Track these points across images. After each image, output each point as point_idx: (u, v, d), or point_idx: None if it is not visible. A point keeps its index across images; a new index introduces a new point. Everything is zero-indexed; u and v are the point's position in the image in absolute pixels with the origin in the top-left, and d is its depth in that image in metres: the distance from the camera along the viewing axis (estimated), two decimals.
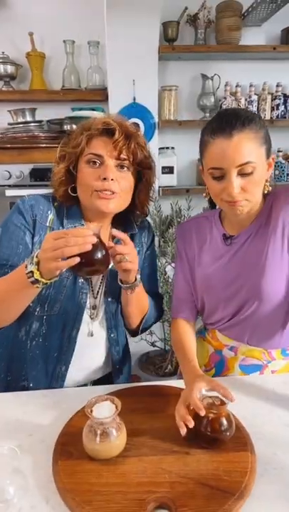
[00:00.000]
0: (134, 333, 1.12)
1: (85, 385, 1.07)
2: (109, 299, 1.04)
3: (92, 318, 1.02)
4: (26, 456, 0.73)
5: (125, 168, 0.95)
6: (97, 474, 0.67)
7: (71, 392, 0.96)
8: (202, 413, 0.72)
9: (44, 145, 1.98)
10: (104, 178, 0.91)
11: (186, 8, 2.23)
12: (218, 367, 1.06)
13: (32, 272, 0.75)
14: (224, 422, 0.73)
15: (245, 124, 0.84)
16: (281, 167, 2.43)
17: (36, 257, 0.75)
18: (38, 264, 0.74)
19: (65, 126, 2.17)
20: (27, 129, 1.99)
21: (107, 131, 0.92)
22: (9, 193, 2.02)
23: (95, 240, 0.73)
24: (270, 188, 0.94)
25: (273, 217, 0.94)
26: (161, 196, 2.30)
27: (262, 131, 0.87)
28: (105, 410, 0.70)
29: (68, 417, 0.83)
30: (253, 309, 0.96)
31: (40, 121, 2.07)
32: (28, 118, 2.06)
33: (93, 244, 0.73)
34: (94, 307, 1.03)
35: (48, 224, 0.97)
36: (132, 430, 0.76)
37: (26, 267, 0.76)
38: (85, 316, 1.01)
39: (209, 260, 1.02)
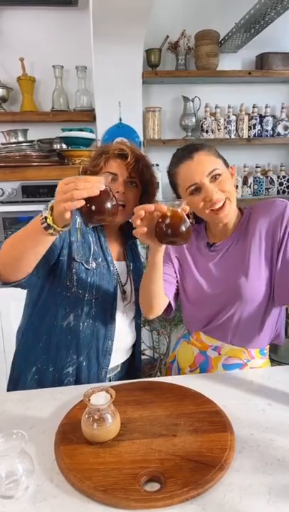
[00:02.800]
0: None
1: (118, 366, 1.23)
2: (138, 292, 1.22)
3: (124, 301, 1.21)
4: (29, 445, 0.81)
5: (134, 184, 1.16)
6: (95, 455, 0.76)
7: (68, 390, 1.04)
8: (164, 209, 0.86)
9: (36, 163, 2.09)
10: (117, 192, 1.11)
11: (167, 37, 2.40)
12: (202, 366, 1.16)
13: (46, 217, 0.81)
14: (181, 215, 0.87)
15: (198, 148, 1.04)
16: (260, 182, 2.59)
17: (51, 203, 0.81)
18: (52, 210, 0.81)
19: (55, 146, 2.29)
20: (19, 148, 2.10)
21: (121, 155, 1.12)
22: (2, 209, 2.11)
23: (103, 187, 0.78)
24: (241, 195, 1.08)
25: (251, 229, 1.07)
26: None
27: (212, 150, 1.06)
28: (101, 399, 0.79)
29: (66, 412, 0.91)
30: (235, 309, 1.07)
31: (31, 141, 2.18)
32: (20, 138, 2.17)
33: (103, 193, 0.78)
34: (124, 292, 1.21)
35: (77, 226, 1.12)
36: (124, 419, 0.85)
37: (42, 214, 0.82)
38: (119, 299, 1.19)
39: (195, 262, 1.15)
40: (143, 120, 2.43)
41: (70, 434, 0.82)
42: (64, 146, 2.25)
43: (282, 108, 2.58)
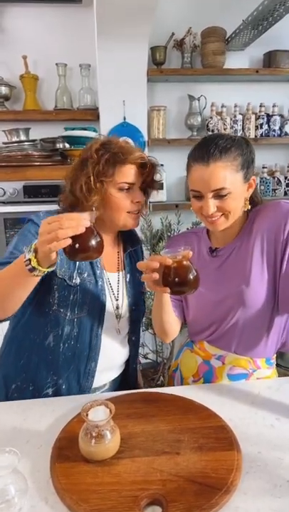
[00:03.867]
0: None
1: (105, 385, 1.15)
2: (134, 307, 1.18)
3: (117, 318, 1.13)
4: (24, 461, 0.77)
5: (143, 190, 1.11)
6: (92, 475, 0.72)
7: (67, 401, 1.00)
8: (169, 261, 0.84)
9: (38, 163, 2.05)
10: (138, 202, 1.06)
11: (172, 34, 2.35)
12: (206, 376, 1.11)
13: (30, 259, 0.78)
14: (187, 265, 0.86)
15: (222, 153, 0.93)
16: (266, 183, 2.53)
17: (34, 245, 0.79)
18: (35, 251, 0.78)
19: (58, 145, 2.25)
20: (21, 147, 2.06)
21: (139, 164, 1.06)
22: (3, 209, 2.08)
23: (88, 224, 0.77)
24: (249, 207, 1.02)
25: (254, 232, 1.02)
26: (152, 211, 2.37)
27: (239, 158, 0.95)
28: (100, 414, 0.75)
29: (64, 424, 0.87)
30: (238, 317, 1.02)
31: (33, 141, 2.14)
32: (22, 137, 2.13)
33: (87, 229, 0.77)
34: (117, 307, 1.13)
35: None
36: (125, 434, 0.81)
37: (25, 256, 0.80)
38: (111, 316, 1.11)
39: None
40: (148, 119, 2.39)
41: (66, 450, 0.78)
42: (67, 145, 2.21)
43: None
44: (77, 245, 0.77)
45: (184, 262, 0.86)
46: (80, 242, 0.77)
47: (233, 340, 1.05)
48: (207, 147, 0.95)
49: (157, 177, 1.13)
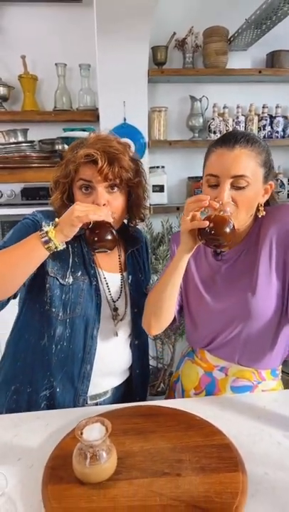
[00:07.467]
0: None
1: (106, 392, 1.10)
2: (135, 310, 1.13)
3: (114, 319, 1.09)
4: (14, 481, 0.72)
5: (116, 189, 1.01)
6: (87, 499, 0.67)
7: (62, 414, 0.95)
8: (216, 205, 0.85)
9: (36, 165, 2.01)
10: (97, 204, 0.97)
11: (174, 34, 2.31)
12: (208, 389, 1.06)
13: (47, 231, 0.86)
14: (228, 217, 0.86)
15: (249, 142, 0.90)
16: None
17: (55, 221, 0.88)
18: (55, 226, 0.87)
19: (57, 146, 2.20)
20: (18, 149, 2.01)
21: (91, 160, 0.97)
22: (0, 211, 2.03)
23: (111, 220, 0.92)
24: (264, 213, 0.96)
25: (262, 235, 0.96)
26: (152, 214, 2.32)
27: (264, 154, 0.91)
28: (96, 432, 0.70)
29: (57, 440, 0.82)
30: (242, 327, 0.97)
31: (31, 142, 2.10)
32: (20, 138, 2.09)
33: (108, 223, 0.91)
34: (115, 309, 1.09)
35: None
36: (122, 452, 0.76)
37: (41, 229, 0.87)
38: (108, 318, 1.07)
39: (200, 272, 1.05)
40: (148, 120, 2.34)
41: (60, 470, 0.73)
42: (66, 146, 2.16)
43: None
44: (96, 234, 0.89)
45: (226, 215, 0.86)
46: (100, 231, 0.90)
47: (236, 351, 1.00)
48: (235, 134, 0.92)
49: (133, 174, 1.02)
